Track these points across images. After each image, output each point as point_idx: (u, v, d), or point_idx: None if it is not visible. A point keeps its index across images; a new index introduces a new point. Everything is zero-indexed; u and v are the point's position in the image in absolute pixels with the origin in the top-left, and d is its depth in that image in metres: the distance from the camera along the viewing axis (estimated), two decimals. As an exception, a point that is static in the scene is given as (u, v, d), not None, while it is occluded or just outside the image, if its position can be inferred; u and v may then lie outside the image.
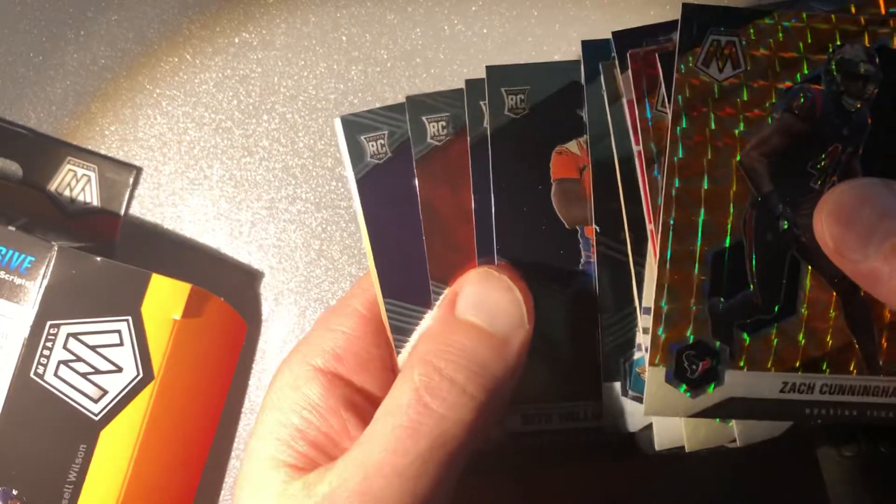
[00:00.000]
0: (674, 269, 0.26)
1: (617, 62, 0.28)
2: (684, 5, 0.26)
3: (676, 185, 0.26)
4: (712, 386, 0.26)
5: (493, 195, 0.28)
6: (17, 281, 0.34)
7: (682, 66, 0.26)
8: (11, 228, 0.35)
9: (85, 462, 0.34)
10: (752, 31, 0.26)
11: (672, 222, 0.26)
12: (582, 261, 0.29)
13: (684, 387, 0.26)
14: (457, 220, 0.29)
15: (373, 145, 0.29)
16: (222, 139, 0.40)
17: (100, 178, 0.40)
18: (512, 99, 0.29)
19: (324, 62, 0.40)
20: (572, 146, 0.29)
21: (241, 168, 0.40)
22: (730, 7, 0.27)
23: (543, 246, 0.29)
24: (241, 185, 0.40)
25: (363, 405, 0.29)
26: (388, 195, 0.29)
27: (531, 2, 0.39)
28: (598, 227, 0.28)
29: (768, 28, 0.26)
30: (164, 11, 0.40)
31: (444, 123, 0.29)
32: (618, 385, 0.28)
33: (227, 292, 0.37)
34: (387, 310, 0.29)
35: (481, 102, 0.29)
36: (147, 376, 0.35)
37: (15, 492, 0.34)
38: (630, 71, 0.27)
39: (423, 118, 0.29)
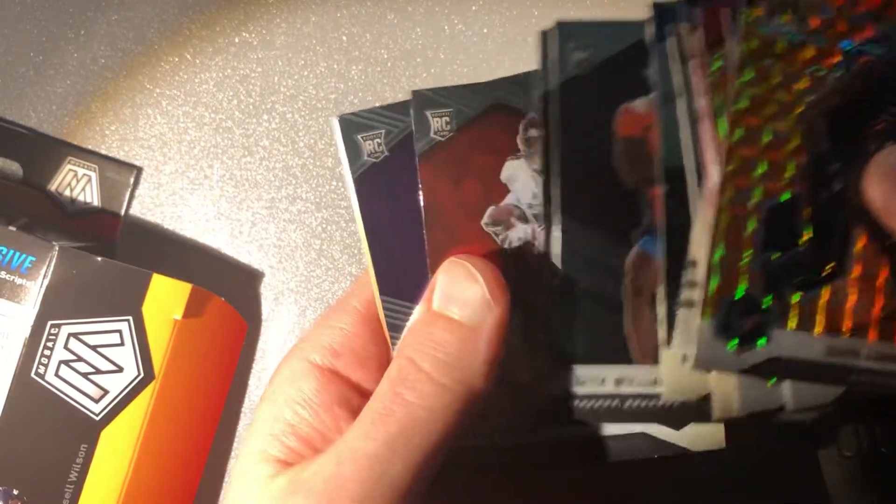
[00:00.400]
0: (729, 222, 0.26)
1: (687, 23, 0.27)
2: None
3: (737, 136, 0.26)
4: (762, 341, 0.26)
5: (560, 151, 0.28)
6: (18, 281, 0.34)
7: (749, 20, 0.26)
8: (12, 228, 0.35)
9: (86, 462, 0.34)
10: None
11: (730, 173, 0.26)
12: (644, 222, 0.28)
13: (734, 342, 0.26)
14: (459, 215, 0.29)
15: (369, 144, 0.29)
16: (222, 139, 0.40)
17: (100, 178, 0.40)
18: (577, 55, 0.28)
19: (324, 62, 0.40)
20: (638, 105, 0.28)
21: (242, 168, 0.40)
22: None
23: (606, 205, 0.28)
24: (242, 185, 0.40)
25: (358, 402, 0.29)
26: (384, 194, 0.29)
27: (531, 2, 0.39)
28: (666, 188, 0.27)
29: None
30: (164, 11, 0.40)
31: (447, 119, 0.29)
32: (679, 352, 0.27)
33: (228, 292, 0.37)
34: (383, 307, 0.29)
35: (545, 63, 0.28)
36: (148, 376, 0.35)
37: (16, 492, 0.34)
38: (701, 26, 0.27)
39: (427, 113, 0.29)
